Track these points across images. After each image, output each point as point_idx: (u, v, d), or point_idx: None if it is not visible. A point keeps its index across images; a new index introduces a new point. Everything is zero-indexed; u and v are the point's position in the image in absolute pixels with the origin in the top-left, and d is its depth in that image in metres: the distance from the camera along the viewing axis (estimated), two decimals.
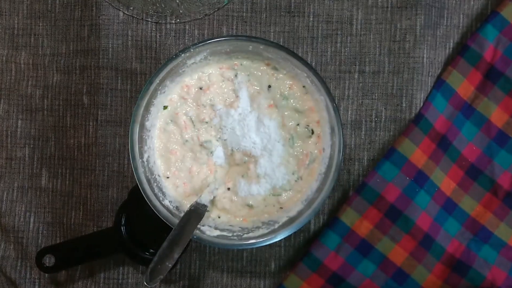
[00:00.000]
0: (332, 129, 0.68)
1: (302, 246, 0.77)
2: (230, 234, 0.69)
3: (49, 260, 0.74)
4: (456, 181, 0.77)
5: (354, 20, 0.78)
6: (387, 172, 0.75)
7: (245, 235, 0.69)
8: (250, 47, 0.69)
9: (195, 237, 0.66)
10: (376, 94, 0.78)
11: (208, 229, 0.69)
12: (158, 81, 0.67)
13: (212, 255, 0.77)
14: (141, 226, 0.74)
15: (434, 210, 0.76)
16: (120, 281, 0.77)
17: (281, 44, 0.72)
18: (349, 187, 0.78)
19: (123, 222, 0.73)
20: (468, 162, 0.77)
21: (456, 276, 0.75)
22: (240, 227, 0.70)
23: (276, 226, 0.69)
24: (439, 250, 0.75)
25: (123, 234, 0.73)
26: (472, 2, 0.79)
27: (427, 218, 0.75)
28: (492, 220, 0.76)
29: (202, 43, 0.67)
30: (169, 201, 0.70)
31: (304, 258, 0.76)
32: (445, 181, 0.76)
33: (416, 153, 0.76)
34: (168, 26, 0.78)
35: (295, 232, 0.69)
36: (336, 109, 0.66)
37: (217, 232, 0.69)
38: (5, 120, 0.79)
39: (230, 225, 0.71)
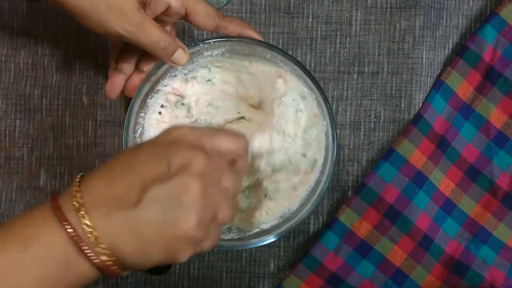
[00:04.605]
0: (325, 160, 0.69)
1: (302, 247, 0.77)
2: None
3: None
4: (455, 181, 0.77)
5: (353, 20, 0.78)
6: (386, 173, 0.75)
7: None
8: (269, 55, 0.68)
9: None
10: (375, 95, 0.78)
11: None
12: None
13: (211, 255, 0.77)
14: None
15: (433, 210, 0.76)
16: (119, 281, 0.77)
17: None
18: (348, 188, 0.78)
19: None
20: (467, 163, 0.77)
21: (455, 276, 0.75)
22: None
23: (247, 234, 0.69)
24: (438, 250, 0.75)
25: None
26: (471, 3, 0.79)
27: (426, 218, 0.75)
28: (491, 221, 0.76)
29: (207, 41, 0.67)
30: None
31: (304, 259, 0.76)
32: (444, 181, 0.77)
33: (415, 154, 0.76)
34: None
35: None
36: (335, 137, 0.67)
37: None
38: (3, 120, 0.78)
39: None
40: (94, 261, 0.47)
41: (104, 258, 0.47)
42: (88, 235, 0.47)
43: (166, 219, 0.47)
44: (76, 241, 0.46)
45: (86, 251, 0.47)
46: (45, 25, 0.78)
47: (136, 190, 0.47)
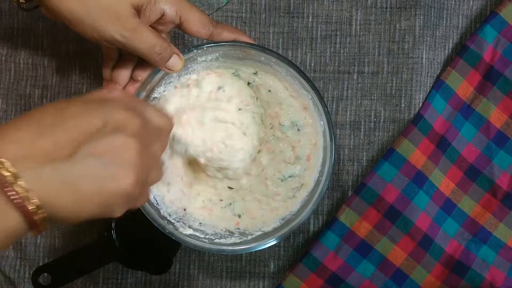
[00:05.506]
0: (324, 161, 0.69)
1: (302, 247, 0.77)
2: (202, 236, 0.69)
3: (46, 279, 0.74)
4: (455, 181, 0.77)
5: (353, 20, 0.78)
6: (386, 172, 0.75)
7: (216, 240, 0.69)
8: (262, 57, 0.68)
9: (167, 231, 0.66)
10: (375, 95, 0.78)
11: (181, 226, 0.69)
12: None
13: (211, 255, 0.77)
14: (132, 232, 0.73)
15: (433, 210, 0.76)
16: (119, 281, 0.77)
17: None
18: (348, 187, 0.78)
19: (113, 225, 0.71)
20: (467, 162, 0.77)
21: (455, 276, 0.75)
22: (213, 231, 0.70)
23: (249, 237, 0.69)
24: (438, 250, 0.75)
25: (116, 243, 0.72)
26: (471, 3, 0.79)
27: (426, 218, 0.75)
28: (491, 221, 0.77)
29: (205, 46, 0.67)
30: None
31: (304, 259, 0.76)
32: (444, 181, 0.77)
33: (415, 153, 0.76)
34: None
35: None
36: (333, 137, 0.67)
37: (189, 231, 0.69)
38: (3, 120, 0.78)
39: (204, 227, 0.71)
40: (20, 207, 0.44)
41: (32, 208, 0.45)
42: (16, 189, 0.44)
43: (105, 174, 0.47)
44: (3, 186, 0.44)
45: (13, 198, 0.44)
46: (45, 25, 0.78)
47: (67, 144, 0.46)
